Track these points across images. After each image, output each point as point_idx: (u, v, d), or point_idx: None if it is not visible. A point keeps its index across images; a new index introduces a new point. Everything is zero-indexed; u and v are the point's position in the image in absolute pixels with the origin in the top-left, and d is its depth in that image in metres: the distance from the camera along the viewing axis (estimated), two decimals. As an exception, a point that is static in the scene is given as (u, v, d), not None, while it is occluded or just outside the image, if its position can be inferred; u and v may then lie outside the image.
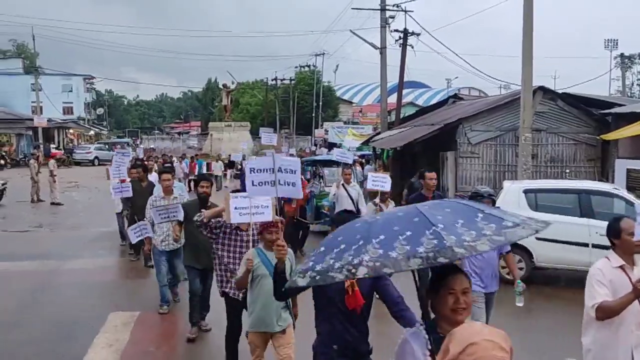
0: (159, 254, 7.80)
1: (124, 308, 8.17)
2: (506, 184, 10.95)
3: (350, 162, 11.12)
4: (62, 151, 45.07)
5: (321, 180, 15.64)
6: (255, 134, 48.05)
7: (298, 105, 55.76)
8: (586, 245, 9.22)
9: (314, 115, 51.77)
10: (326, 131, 42.33)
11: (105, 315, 7.81)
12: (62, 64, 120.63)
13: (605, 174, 15.63)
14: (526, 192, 9.90)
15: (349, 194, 10.45)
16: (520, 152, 13.95)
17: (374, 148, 24.40)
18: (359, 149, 29.20)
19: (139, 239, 7.77)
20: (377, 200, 8.84)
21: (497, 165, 16.15)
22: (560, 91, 17.53)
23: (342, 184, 10.60)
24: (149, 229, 7.61)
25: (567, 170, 15.69)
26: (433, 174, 8.23)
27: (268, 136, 17.09)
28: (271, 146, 18.37)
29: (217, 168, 27.90)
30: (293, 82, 59.04)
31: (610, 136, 14.72)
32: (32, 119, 45.85)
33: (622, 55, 59.69)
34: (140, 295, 8.81)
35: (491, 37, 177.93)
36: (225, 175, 29.00)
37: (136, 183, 10.41)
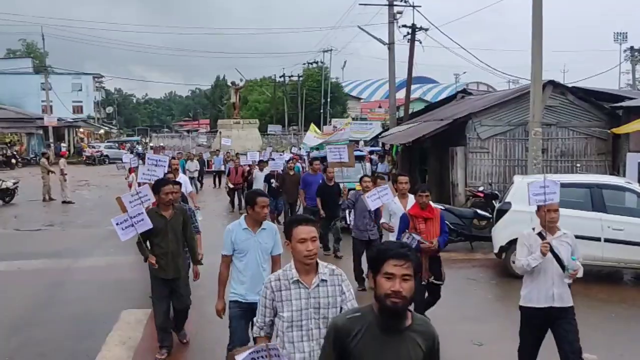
0: None
1: (137, 305, 8.22)
2: (517, 178, 10.89)
3: None
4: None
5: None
6: (263, 131, 48.16)
7: (306, 101, 55.79)
8: (598, 239, 9.16)
9: (322, 111, 51.75)
10: (334, 127, 42.28)
11: (118, 312, 7.87)
12: (72, 63, 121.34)
13: (616, 168, 15.53)
14: (537, 186, 9.82)
15: None
16: (531, 146, 13.88)
17: (383, 144, 24.35)
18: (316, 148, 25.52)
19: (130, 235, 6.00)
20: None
21: (507, 160, 16.09)
22: (570, 85, 17.43)
23: None
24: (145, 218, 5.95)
25: (578, 165, 15.61)
26: None
27: (337, 153, 10.78)
28: (339, 164, 10.99)
29: (192, 168, 23.30)
30: (301, 78, 59.06)
31: (621, 130, 14.62)
32: (42, 118, 46.23)
33: (631, 48, 59.14)
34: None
35: (499, 31, 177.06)
36: (200, 177, 24.80)
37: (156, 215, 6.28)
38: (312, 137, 27.72)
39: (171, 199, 6.16)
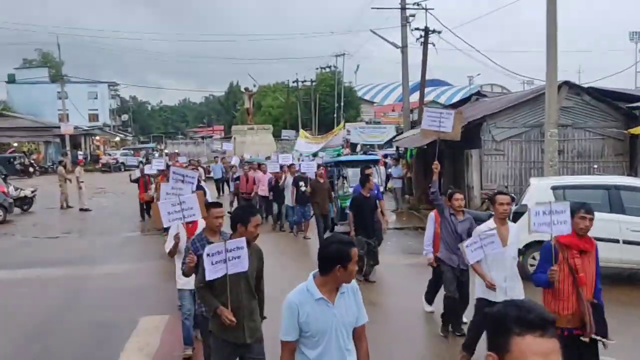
0: None
1: (154, 312, 8.28)
2: (533, 180, 10.80)
3: None
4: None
5: (345, 181, 15.61)
6: (277, 136, 48.26)
7: (320, 106, 55.82)
8: (617, 241, 9.05)
9: (335, 116, 51.77)
10: (348, 131, 42.35)
11: (135, 319, 7.92)
12: (87, 72, 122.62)
13: (634, 169, 15.35)
14: (554, 188, 9.75)
15: None
16: (547, 148, 13.77)
17: (397, 147, 24.32)
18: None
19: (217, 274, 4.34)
20: None
21: (522, 162, 15.97)
22: (585, 85, 17.27)
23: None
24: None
25: (595, 166, 15.44)
26: None
27: (436, 118, 7.43)
28: (436, 133, 7.51)
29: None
30: (314, 83, 59.14)
31: (639, 130, 14.46)
32: (59, 127, 46.78)
33: (647, 47, 58.49)
34: (170, 298, 8.86)
35: (513, 32, 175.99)
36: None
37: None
38: (304, 143, 26.21)
39: (258, 235, 4.58)
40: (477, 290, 6.08)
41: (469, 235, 6.60)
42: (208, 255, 4.24)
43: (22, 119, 48.99)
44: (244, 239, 4.34)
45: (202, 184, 9.16)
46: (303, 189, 13.67)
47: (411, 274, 10.42)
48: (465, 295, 6.94)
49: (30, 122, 48.11)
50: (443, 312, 7.16)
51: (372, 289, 9.35)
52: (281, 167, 16.20)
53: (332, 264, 3.17)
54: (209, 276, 4.27)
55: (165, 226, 5.88)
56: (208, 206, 5.32)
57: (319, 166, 14.70)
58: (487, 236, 5.69)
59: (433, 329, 7.51)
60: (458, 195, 7.04)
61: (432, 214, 7.55)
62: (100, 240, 14.79)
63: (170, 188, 6.62)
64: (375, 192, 10.39)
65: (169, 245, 6.25)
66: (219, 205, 5.40)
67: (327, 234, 12.91)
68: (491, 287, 5.70)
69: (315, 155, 23.84)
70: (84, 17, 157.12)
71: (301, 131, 31.25)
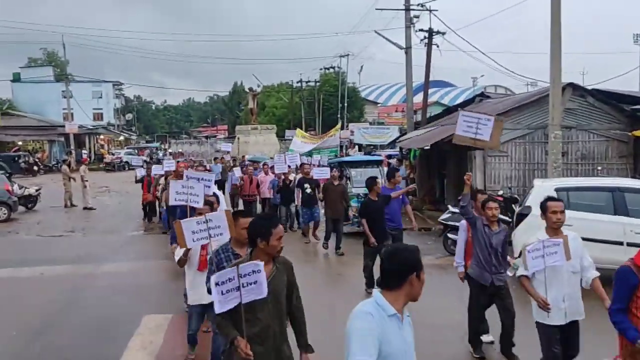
0: None
1: (158, 311, 8.29)
2: (537, 182, 10.80)
3: None
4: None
5: (348, 182, 15.61)
6: (281, 136, 48.32)
7: (323, 106, 55.87)
8: (621, 243, 9.05)
9: (339, 116, 51.78)
10: (352, 132, 42.38)
11: (139, 317, 7.94)
12: (92, 71, 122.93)
13: (638, 171, 15.33)
14: (558, 190, 9.73)
15: None
16: (550, 149, 13.75)
17: (400, 148, 24.32)
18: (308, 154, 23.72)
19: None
20: None
21: (526, 163, 15.95)
22: (589, 87, 17.24)
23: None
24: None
25: (599, 168, 15.41)
26: None
27: (473, 123, 7.02)
28: (472, 141, 7.25)
29: None
30: (318, 84, 59.20)
31: (643, 132, 14.44)
32: (63, 126, 46.90)
33: (652, 49, 58.34)
34: (173, 297, 8.89)
35: (517, 33, 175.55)
36: None
37: None
38: (300, 142, 25.94)
39: (282, 247, 3.90)
40: (533, 311, 5.26)
41: (503, 248, 6.36)
42: (217, 284, 3.60)
43: (27, 118, 49.19)
44: (261, 263, 3.68)
45: (216, 189, 8.39)
46: (308, 190, 13.65)
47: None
48: (510, 311, 6.37)
49: (35, 121, 48.31)
50: (469, 336, 6.66)
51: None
52: (288, 166, 15.89)
53: (407, 273, 2.82)
54: (220, 308, 3.61)
55: (189, 247, 5.14)
56: (236, 215, 4.79)
57: (332, 168, 14.35)
58: (552, 244, 4.91)
59: (437, 330, 7.51)
60: (492, 204, 6.36)
61: (464, 222, 6.81)
62: (104, 239, 14.84)
63: (180, 187, 6.42)
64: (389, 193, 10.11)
65: (179, 253, 5.67)
66: (248, 214, 4.94)
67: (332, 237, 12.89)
68: (544, 307, 4.90)
69: (310, 155, 23.79)
70: (89, 16, 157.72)
71: (298, 130, 31.22)
